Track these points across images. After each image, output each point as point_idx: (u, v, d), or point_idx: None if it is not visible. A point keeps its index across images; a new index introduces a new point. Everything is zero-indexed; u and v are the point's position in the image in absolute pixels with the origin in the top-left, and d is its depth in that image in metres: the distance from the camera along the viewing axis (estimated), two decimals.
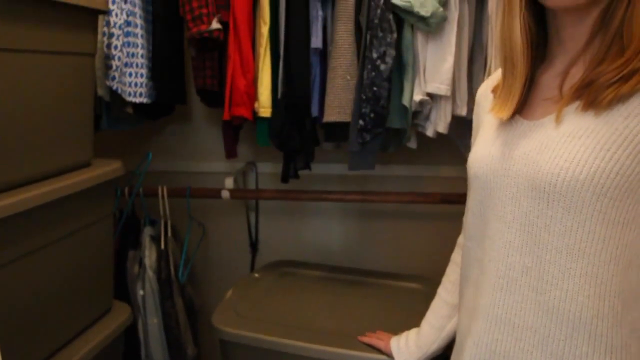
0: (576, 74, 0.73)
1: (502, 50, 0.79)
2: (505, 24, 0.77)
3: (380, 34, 1.43)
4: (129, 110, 1.73)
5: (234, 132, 1.73)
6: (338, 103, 1.51)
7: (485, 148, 0.82)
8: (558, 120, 0.70)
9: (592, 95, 0.67)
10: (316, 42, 1.50)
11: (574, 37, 0.74)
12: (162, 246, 1.82)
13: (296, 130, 1.58)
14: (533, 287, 0.71)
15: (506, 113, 0.78)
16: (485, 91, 0.95)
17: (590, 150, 0.65)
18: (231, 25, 1.54)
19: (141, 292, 1.77)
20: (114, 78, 1.61)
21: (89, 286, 1.42)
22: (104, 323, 1.47)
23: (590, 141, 0.65)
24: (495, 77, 0.92)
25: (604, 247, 0.66)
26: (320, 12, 1.49)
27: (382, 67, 1.45)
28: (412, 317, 1.25)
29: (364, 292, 1.62)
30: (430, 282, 1.64)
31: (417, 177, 2.01)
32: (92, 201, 1.39)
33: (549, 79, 0.79)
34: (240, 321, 1.42)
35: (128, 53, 1.62)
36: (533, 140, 0.73)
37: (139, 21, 1.65)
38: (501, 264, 0.75)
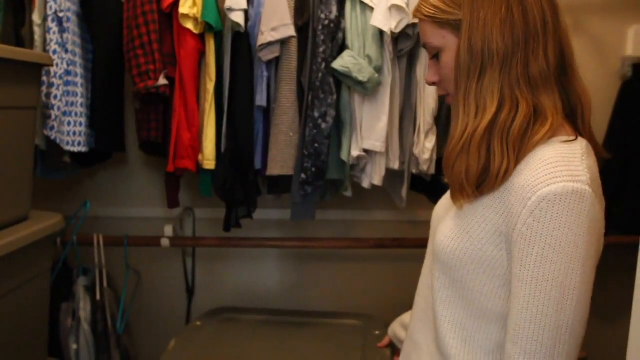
0: None
1: None
2: None
3: (322, 96, 1.54)
4: (67, 159, 1.70)
5: (176, 182, 1.75)
6: (281, 157, 1.60)
7: (440, 203, 0.99)
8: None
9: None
10: (261, 100, 1.58)
11: None
12: (98, 297, 1.78)
13: (239, 182, 1.64)
14: (428, 323, 0.91)
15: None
16: None
17: (457, 231, 0.81)
18: (177, 81, 1.58)
19: (74, 346, 1.71)
20: (52, 128, 1.59)
21: (23, 343, 1.37)
22: None
23: (460, 223, 0.82)
24: None
25: (467, 305, 0.82)
26: (265, 73, 1.58)
27: (323, 125, 1.55)
28: (353, 352, 1.33)
29: (306, 333, 1.68)
30: (367, 319, 1.75)
31: (351, 222, 2.12)
32: (30, 257, 1.35)
33: None
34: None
35: (67, 102, 1.61)
36: (449, 212, 0.89)
37: (79, 70, 1.65)
38: (419, 297, 0.97)
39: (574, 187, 0.70)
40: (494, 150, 0.76)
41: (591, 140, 0.83)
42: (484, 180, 0.78)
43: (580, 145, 0.76)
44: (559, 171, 0.71)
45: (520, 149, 0.76)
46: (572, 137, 0.77)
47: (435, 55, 0.85)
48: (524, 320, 0.73)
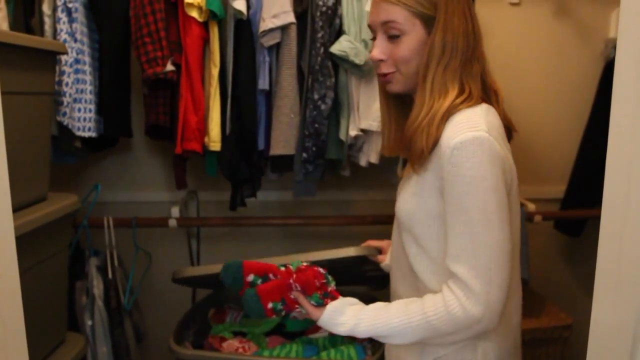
0: None
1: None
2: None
3: (321, 78, 1.63)
4: (77, 144, 1.78)
5: (183, 163, 1.84)
6: (283, 138, 1.69)
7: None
8: (413, 171, 1.03)
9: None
10: (263, 84, 1.67)
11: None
12: (110, 276, 1.86)
13: (244, 162, 1.73)
14: (405, 274, 1.08)
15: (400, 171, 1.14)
16: None
17: (409, 196, 1.01)
18: (183, 67, 1.66)
19: (89, 322, 1.80)
20: (64, 114, 1.67)
21: (44, 319, 1.45)
22: (59, 355, 1.50)
23: (410, 189, 1.01)
24: None
25: (430, 252, 1.00)
26: (267, 58, 1.67)
27: (323, 107, 1.64)
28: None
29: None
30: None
31: (348, 201, 2.22)
32: (50, 235, 1.43)
33: None
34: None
35: (77, 89, 1.69)
36: (401, 188, 1.08)
37: (87, 59, 1.72)
38: (393, 259, 1.15)
39: (474, 135, 0.90)
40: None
41: (505, 117, 1.04)
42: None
43: (482, 107, 0.97)
44: (462, 126, 0.92)
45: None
46: (475, 104, 0.97)
47: (393, 37, 0.98)
48: (461, 242, 0.91)
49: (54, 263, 1.47)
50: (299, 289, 1.03)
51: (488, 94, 1.02)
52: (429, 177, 0.96)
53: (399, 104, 1.09)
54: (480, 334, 0.95)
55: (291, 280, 1.03)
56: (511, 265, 0.93)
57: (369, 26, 1.04)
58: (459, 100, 0.95)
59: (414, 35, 0.97)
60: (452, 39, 0.95)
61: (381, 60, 1.01)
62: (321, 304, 1.02)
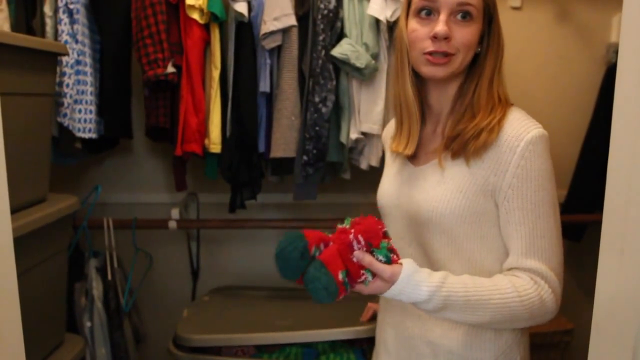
0: (442, 132, 1.01)
1: (398, 102, 1.04)
2: (399, 82, 1.03)
3: (322, 81, 1.63)
4: (78, 145, 1.78)
5: (182, 165, 1.84)
6: (284, 141, 1.68)
7: (385, 185, 1.09)
8: (441, 165, 0.97)
9: (457, 146, 0.95)
10: (264, 86, 1.67)
11: (440, 103, 1.02)
12: (109, 277, 1.86)
13: (244, 164, 1.73)
14: None
15: (410, 149, 1.03)
16: (387, 134, 1.19)
17: (450, 193, 0.94)
18: (184, 69, 1.66)
19: (88, 324, 1.79)
20: (65, 115, 1.66)
21: (43, 320, 1.45)
22: (57, 357, 1.49)
23: (450, 186, 0.94)
24: (392, 123, 1.16)
25: (469, 254, 0.96)
26: (267, 60, 1.67)
27: (324, 110, 1.64)
28: (360, 309, 1.43)
29: (308, 299, 1.79)
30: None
31: (349, 204, 2.21)
32: (49, 236, 1.43)
33: (424, 136, 1.05)
34: (206, 328, 1.55)
35: (78, 90, 1.69)
36: (416, 183, 1.00)
37: (88, 60, 1.72)
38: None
39: (543, 132, 0.92)
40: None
41: None
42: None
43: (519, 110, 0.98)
44: (529, 123, 0.92)
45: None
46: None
47: (465, 17, 0.93)
48: (534, 237, 0.90)
49: (53, 264, 1.47)
50: (362, 243, 0.81)
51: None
52: (479, 172, 0.93)
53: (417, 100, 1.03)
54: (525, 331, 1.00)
55: (351, 236, 0.81)
56: None
57: (428, 7, 0.95)
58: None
59: (479, 26, 0.95)
60: (500, 42, 0.98)
61: (446, 39, 0.93)
62: (389, 261, 0.83)
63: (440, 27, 0.92)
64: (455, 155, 0.96)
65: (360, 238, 0.81)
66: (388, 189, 1.07)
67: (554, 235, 0.91)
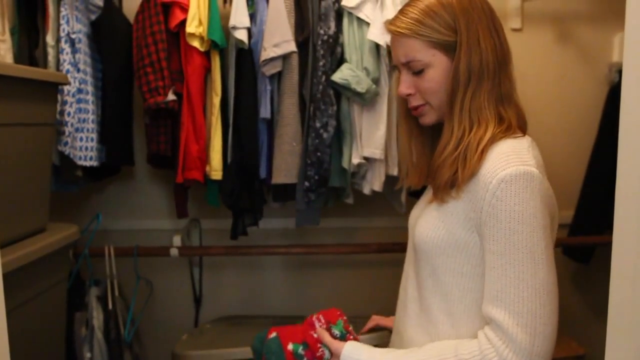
0: None
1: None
2: (400, 129, 1.05)
3: (323, 107, 1.62)
4: (79, 173, 1.77)
5: (184, 192, 1.82)
6: (285, 167, 1.67)
7: (414, 207, 1.11)
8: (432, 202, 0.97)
9: (433, 189, 0.96)
10: (265, 112, 1.66)
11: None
12: (110, 306, 1.83)
13: (246, 191, 1.71)
14: (416, 313, 1.00)
15: (418, 184, 1.06)
16: None
17: (434, 221, 0.94)
18: (185, 96, 1.66)
19: (88, 355, 1.76)
20: (66, 143, 1.66)
21: (42, 351, 1.42)
22: None
23: (435, 214, 0.94)
24: None
25: (448, 288, 0.93)
26: (268, 87, 1.66)
27: (325, 135, 1.63)
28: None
29: None
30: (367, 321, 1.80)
31: (353, 229, 2.18)
32: (48, 267, 1.41)
33: None
34: (204, 345, 1.54)
35: (80, 119, 1.69)
36: (425, 209, 1.00)
37: (90, 88, 1.73)
38: (401, 289, 1.07)
39: (525, 169, 0.83)
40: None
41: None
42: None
43: (527, 140, 0.91)
44: (511, 159, 0.85)
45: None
46: (520, 135, 0.92)
47: (417, 72, 0.94)
48: (503, 285, 0.83)
49: (51, 295, 1.44)
50: (322, 321, 1.01)
51: (524, 120, 0.97)
52: (461, 206, 0.89)
53: (421, 134, 1.05)
54: None
55: (314, 317, 1.02)
56: (558, 312, 0.84)
57: (393, 66, 1.01)
58: (498, 131, 0.89)
59: (437, 66, 0.92)
60: (480, 60, 0.90)
61: (409, 95, 0.97)
62: (344, 338, 0.99)
63: (400, 88, 0.97)
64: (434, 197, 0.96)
65: (321, 317, 1.02)
66: (413, 210, 1.09)
67: (530, 286, 0.81)
